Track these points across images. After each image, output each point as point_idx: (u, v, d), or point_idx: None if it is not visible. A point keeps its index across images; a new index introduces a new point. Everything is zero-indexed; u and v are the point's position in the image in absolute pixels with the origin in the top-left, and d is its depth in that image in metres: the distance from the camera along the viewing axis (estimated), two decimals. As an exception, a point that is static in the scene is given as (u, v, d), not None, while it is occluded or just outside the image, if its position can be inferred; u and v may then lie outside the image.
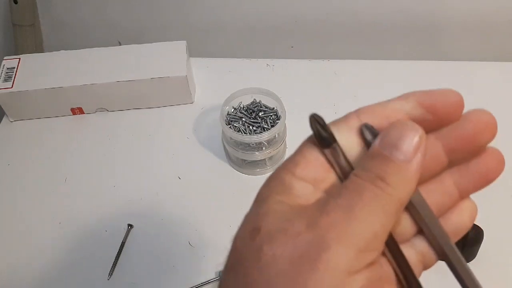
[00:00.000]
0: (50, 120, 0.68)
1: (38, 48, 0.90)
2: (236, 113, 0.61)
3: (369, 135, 0.23)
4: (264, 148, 0.58)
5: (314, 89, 0.68)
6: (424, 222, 0.23)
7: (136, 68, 0.65)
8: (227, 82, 0.69)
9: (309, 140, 0.23)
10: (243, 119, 0.60)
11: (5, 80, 0.65)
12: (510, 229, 0.51)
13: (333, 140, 0.23)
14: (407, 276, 0.23)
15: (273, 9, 0.82)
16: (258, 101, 0.62)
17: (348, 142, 0.23)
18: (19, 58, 0.67)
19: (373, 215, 0.20)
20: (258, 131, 0.59)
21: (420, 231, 0.24)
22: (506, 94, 0.66)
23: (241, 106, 0.61)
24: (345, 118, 0.23)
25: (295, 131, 0.63)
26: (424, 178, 0.24)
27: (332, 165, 0.23)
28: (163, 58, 0.66)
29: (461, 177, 0.24)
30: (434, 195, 0.24)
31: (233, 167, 0.61)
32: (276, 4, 0.81)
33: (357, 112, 0.24)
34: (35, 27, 0.88)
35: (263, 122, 0.60)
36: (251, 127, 0.59)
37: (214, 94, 0.68)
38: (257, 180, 0.61)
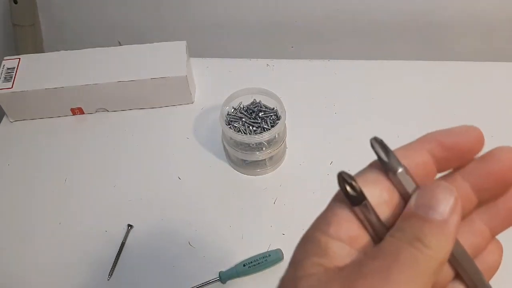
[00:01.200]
0: (50, 120, 0.68)
1: (38, 48, 0.90)
2: (236, 113, 0.61)
3: (379, 149, 0.23)
4: (264, 148, 0.58)
5: (314, 89, 0.68)
6: (460, 266, 0.23)
7: (136, 68, 0.65)
8: (227, 82, 0.69)
9: (338, 196, 0.23)
10: (243, 119, 0.60)
11: (5, 80, 0.65)
12: (510, 229, 0.51)
13: (363, 197, 0.22)
14: None
15: (273, 9, 0.82)
16: (258, 101, 0.62)
17: (377, 195, 0.23)
18: (19, 58, 0.67)
19: (411, 278, 0.20)
20: (258, 131, 0.59)
21: (457, 275, 0.24)
22: (506, 94, 0.66)
23: (241, 106, 0.61)
24: (370, 168, 0.23)
25: (295, 131, 0.63)
26: None
27: (363, 223, 0.23)
28: (163, 58, 0.66)
29: (490, 216, 0.25)
30: (467, 236, 0.24)
31: (233, 167, 0.61)
32: (276, 4, 0.81)
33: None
34: (35, 27, 0.88)
35: (263, 122, 0.60)
36: (251, 127, 0.59)
37: (214, 94, 0.68)
38: (257, 180, 0.61)
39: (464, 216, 0.24)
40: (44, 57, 0.68)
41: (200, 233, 0.55)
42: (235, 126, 0.59)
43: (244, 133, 0.59)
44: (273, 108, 0.61)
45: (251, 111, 0.61)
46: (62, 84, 0.64)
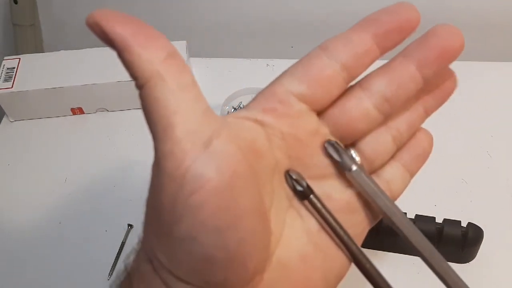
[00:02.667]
0: (50, 120, 0.68)
1: (38, 48, 0.90)
2: (236, 113, 0.61)
3: (334, 152, 0.24)
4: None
5: (314, 89, 0.68)
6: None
7: (136, 68, 0.65)
8: (227, 82, 0.69)
9: None
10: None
11: (5, 80, 0.65)
12: (510, 229, 0.51)
13: (310, 191, 0.24)
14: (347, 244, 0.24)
15: (273, 9, 0.82)
16: (258, 101, 0.62)
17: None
18: (19, 58, 0.67)
19: None
20: (258, 131, 0.59)
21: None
22: (506, 94, 0.66)
23: (241, 106, 0.61)
24: None
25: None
26: (408, 100, 0.25)
27: (312, 214, 0.24)
28: (163, 58, 0.66)
29: (426, 96, 0.26)
30: (407, 114, 0.26)
31: (233, 167, 0.61)
32: (276, 4, 0.81)
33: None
34: (35, 27, 0.88)
35: (263, 122, 0.60)
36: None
37: (214, 94, 0.68)
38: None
39: (412, 96, 0.25)
40: (44, 57, 0.68)
41: (200, 233, 0.55)
42: (235, 126, 0.59)
43: (244, 133, 0.59)
44: (273, 108, 0.61)
45: (251, 111, 0.61)
46: (62, 84, 0.64)
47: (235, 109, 0.61)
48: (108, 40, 0.21)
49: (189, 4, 0.83)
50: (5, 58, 0.68)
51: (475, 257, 0.48)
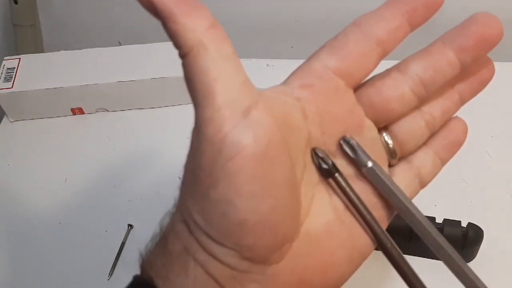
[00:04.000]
0: (50, 120, 0.68)
1: (38, 48, 0.90)
2: (236, 113, 0.61)
3: (348, 150, 0.24)
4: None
5: (314, 89, 0.68)
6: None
7: (136, 68, 0.65)
8: (227, 82, 0.69)
9: None
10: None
11: (5, 80, 0.65)
12: (510, 229, 0.51)
13: (336, 170, 0.24)
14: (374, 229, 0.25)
15: (273, 9, 0.82)
16: (258, 101, 0.62)
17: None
18: (19, 58, 0.67)
19: None
20: (258, 131, 0.59)
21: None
22: (506, 94, 0.66)
23: (241, 106, 0.61)
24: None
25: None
26: (442, 85, 0.25)
27: (336, 193, 0.25)
28: (163, 58, 0.66)
29: (462, 83, 0.27)
30: (442, 101, 0.26)
31: (233, 167, 0.61)
32: (276, 4, 0.81)
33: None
34: (35, 27, 0.88)
35: (263, 122, 0.60)
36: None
37: (214, 94, 0.68)
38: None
39: (447, 82, 0.25)
40: (44, 57, 0.68)
41: (200, 233, 0.55)
42: (235, 126, 0.59)
43: (244, 133, 0.59)
44: (273, 108, 0.61)
45: (251, 111, 0.61)
46: (62, 84, 0.64)
47: (235, 109, 0.61)
48: (153, 10, 0.22)
49: (189, 4, 0.83)
50: (5, 58, 0.68)
51: (475, 257, 0.48)
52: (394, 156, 0.26)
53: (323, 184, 0.25)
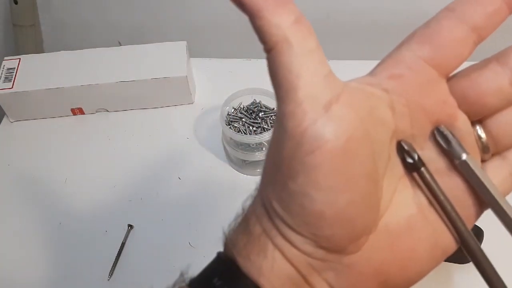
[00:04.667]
0: (50, 121, 0.68)
1: (38, 48, 0.90)
2: (236, 113, 0.61)
3: (442, 141, 0.23)
4: (264, 149, 0.58)
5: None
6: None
7: (136, 69, 0.65)
8: (227, 82, 0.69)
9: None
10: (243, 120, 0.60)
11: (6, 80, 0.65)
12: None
13: (421, 164, 0.23)
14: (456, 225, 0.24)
15: (273, 9, 0.82)
16: (258, 101, 0.62)
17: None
18: (19, 59, 0.67)
19: None
20: (258, 132, 0.59)
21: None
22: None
23: (241, 106, 0.61)
24: None
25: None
26: None
27: (421, 188, 0.24)
28: (163, 58, 0.66)
29: None
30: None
31: (233, 167, 0.61)
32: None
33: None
34: (35, 27, 0.88)
35: (263, 123, 0.60)
36: (251, 127, 0.60)
37: (214, 94, 0.68)
38: (257, 181, 0.61)
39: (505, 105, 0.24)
40: (45, 57, 0.68)
41: (200, 233, 0.55)
42: (235, 126, 0.59)
43: (244, 133, 0.59)
44: (273, 108, 0.61)
45: (251, 111, 0.61)
46: (63, 85, 0.64)
47: (235, 109, 0.61)
48: (241, 6, 0.22)
49: (189, 4, 0.83)
50: (5, 58, 0.68)
51: (475, 257, 0.48)
52: (487, 151, 0.25)
53: (407, 178, 0.24)
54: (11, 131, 0.67)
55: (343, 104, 0.21)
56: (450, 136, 0.23)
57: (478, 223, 0.47)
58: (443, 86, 0.23)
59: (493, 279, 0.24)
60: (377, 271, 0.23)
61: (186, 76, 0.64)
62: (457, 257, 0.51)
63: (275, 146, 0.22)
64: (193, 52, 0.70)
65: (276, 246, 0.23)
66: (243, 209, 0.26)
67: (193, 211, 0.57)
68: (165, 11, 0.85)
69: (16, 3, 0.82)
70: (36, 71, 0.66)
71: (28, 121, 0.68)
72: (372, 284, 0.23)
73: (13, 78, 0.65)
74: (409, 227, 0.24)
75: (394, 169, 0.24)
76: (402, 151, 0.23)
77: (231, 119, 0.60)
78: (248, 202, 0.25)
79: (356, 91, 0.23)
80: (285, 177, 0.22)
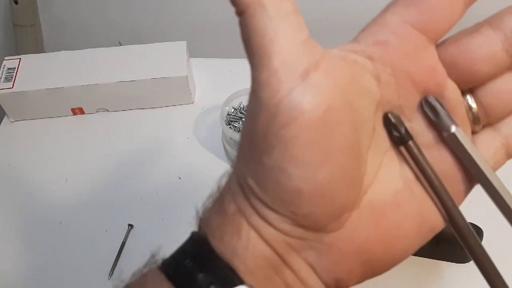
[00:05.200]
0: (51, 120, 0.68)
1: (38, 48, 0.90)
2: (236, 113, 0.61)
3: (430, 112, 0.22)
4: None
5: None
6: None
7: (136, 69, 0.65)
8: (227, 82, 0.69)
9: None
10: (243, 119, 0.60)
11: (6, 80, 0.65)
12: (510, 229, 0.51)
13: (409, 137, 0.22)
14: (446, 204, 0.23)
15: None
16: (258, 101, 0.62)
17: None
18: (20, 59, 0.67)
19: None
20: (258, 131, 0.59)
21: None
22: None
23: (241, 106, 0.61)
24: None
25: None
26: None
27: (407, 161, 0.23)
28: (163, 58, 0.66)
29: None
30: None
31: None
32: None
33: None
34: (35, 27, 0.88)
35: (263, 122, 0.60)
36: (251, 127, 0.60)
37: (214, 94, 0.68)
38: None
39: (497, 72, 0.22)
40: (45, 57, 0.68)
41: (200, 233, 0.55)
42: (235, 126, 0.59)
43: (244, 133, 0.59)
44: (273, 108, 0.61)
45: (251, 111, 0.61)
46: (63, 84, 0.64)
47: (235, 109, 0.61)
48: None
49: (189, 4, 0.84)
50: (6, 58, 0.68)
51: (475, 257, 0.48)
52: (477, 122, 0.23)
53: (394, 151, 0.23)
54: (11, 131, 0.67)
55: (322, 72, 0.20)
56: (438, 107, 0.22)
57: (478, 223, 0.47)
58: (432, 52, 0.22)
59: (482, 259, 0.23)
60: (361, 249, 0.22)
61: (186, 76, 0.64)
62: (457, 257, 0.51)
63: (250, 119, 0.21)
64: (193, 52, 0.70)
65: (251, 225, 0.22)
66: (218, 187, 0.24)
67: (193, 211, 0.57)
68: (165, 11, 0.85)
69: (16, 3, 0.82)
70: (36, 71, 0.66)
71: (28, 121, 0.68)
72: (355, 263, 0.22)
73: (13, 78, 0.65)
74: (395, 203, 0.22)
75: (379, 142, 0.23)
76: (389, 124, 0.22)
77: (231, 119, 0.60)
78: (224, 180, 0.24)
79: (337, 58, 0.21)
80: (260, 152, 0.20)
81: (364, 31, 0.23)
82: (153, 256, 0.25)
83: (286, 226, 0.21)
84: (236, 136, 0.56)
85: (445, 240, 0.46)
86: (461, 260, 0.48)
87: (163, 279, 0.23)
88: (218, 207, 0.23)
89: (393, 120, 0.22)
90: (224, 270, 0.21)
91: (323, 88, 0.20)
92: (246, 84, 0.70)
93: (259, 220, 0.21)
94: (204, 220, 0.24)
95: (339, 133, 0.20)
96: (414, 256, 0.48)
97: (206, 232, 0.23)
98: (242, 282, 0.21)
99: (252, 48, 0.20)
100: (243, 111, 0.61)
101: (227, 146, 0.59)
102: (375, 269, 0.23)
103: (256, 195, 0.21)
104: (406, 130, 0.22)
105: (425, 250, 0.48)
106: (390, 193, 0.23)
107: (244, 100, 0.61)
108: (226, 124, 0.59)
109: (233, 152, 0.59)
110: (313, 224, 0.21)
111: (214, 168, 0.61)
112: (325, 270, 0.22)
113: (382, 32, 0.22)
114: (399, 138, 0.22)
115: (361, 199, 0.22)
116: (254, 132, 0.20)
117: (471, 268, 0.49)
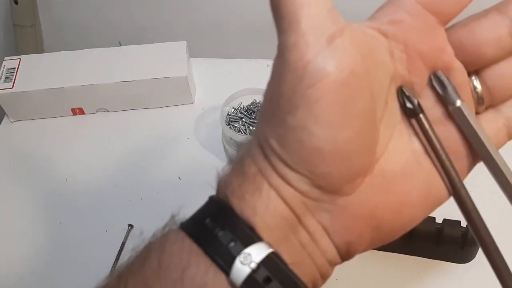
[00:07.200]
0: (51, 121, 0.68)
1: (38, 48, 0.90)
2: (236, 113, 0.61)
3: (438, 86, 0.23)
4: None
5: (314, 89, 0.68)
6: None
7: (136, 69, 0.65)
8: (227, 82, 0.69)
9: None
10: (243, 120, 0.60)
11: (6, 81, 0.65)
12: (510, 229, 0.51)
13: (420, 110, 0.23)
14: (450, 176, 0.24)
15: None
16: (258, 101, 0.62)
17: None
18: (20, 59, 0.67)
19: None
20: (258, 131, 0.59)
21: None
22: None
23: (241, 106, 0.61)
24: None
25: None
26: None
27: (417, 134, 0.24)
28: (163, 58, 0.66)
29: None
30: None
31: (233, 167, 0.61)
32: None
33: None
34: (35, 27, 0.88)
35: (263, 122, 0.60)
36: (251, 127, 0.60)
37: (214, 94, 0.68)
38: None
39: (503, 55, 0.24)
40: (45, 58, 0.68)
41: (200, 233, 0.55)
42: (235, 126, 0.59)
43: (244, 133, 0.59)
44: (273, 108, 0.61)
45: (251, 111, 0.61)
46: (63, 85, 0.64)
47: (235, 109, 0.61)
48: None
49: (189, 4, 0.84)
50: (6, 58, 0.68)
51: (475, 257, 0.48)
52: (482, 102, 0.24)
53: (404, 125, 0.24)
54: (11, 131, 0.67)
55: (347, 38, 0.21)
56: (446, 81, 0.23)
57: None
58: (442, 33, 0.23)
59: (483, 233, 0.24)
60: (371, 215, 0.23)
61: (186, 76, 0.64)
62: (457, 257, 0.51)
63: (275, 81, 0.22)
64: (193, 52, 0.70)
65: (271, 185, 0.22)
66: (238, 153, 0.25)
67: (193, 211, 0.57)
68: (165, 11, 0.85)
69: (16, 3, 0.82)
70: (36, 71, 0.66)
71: (28, 121, 0.68)
72: (365, 228, 0.23)
73: (13, 78, 0.65)
74: (403, 172, 0.24)
75: (390, 115, 0.24)
76: (403, 95, 0.23)
77: (231, 119, 0.60)
78: (245, 146, 0.25)
79: (358, 31, 0.22)
80: (284, 112, 0.21)
81: (380, 10, 0.24)
82: (173, 217, 0.26)
83: (304, 186, 0.22)
84: (236, 136, 0.56)
85: (445, 240, 0.46)
86: (461, 260, 0.48)
87: (184, 236, 0.23)
88: (238, 170, 0.24)
89: (407, 92, 0.23)
90: (244, 228, 0.22)
91: (347, 53, 0.21)
92: (246, 84, 0.70)
93: (279, 180, 0.22)
94: (224, 182, 0.25)
95: (360, 97, 0.21)
96: (414, 256, 0.48)
97: (226, 193, 0.24)
98: (261, 240, 0.22)
99: (281, 12, 0.21)
100: (243, 111, 0.61)
101: (227, 146, 0.59)
102: (383, 235, 0.24)
103: (277, 154, 0.22)
104: (418, 103, 0.23)
105: (425, 250, 0.48)
106: (400, 163, 0.24)
107: (244, 100, 0.61)
108: (226, 124, 0.59)
109: (233, 152, 0.59)
110: (329, 184, 0.22)
111: (214, 169, 0.61)
112: (338, 233, 0.23)
113: (397, 12, 0.23)
114: (412, 110, 0.23)
115: (373, 166, 0.23)
116: (280, 93, 0.21)
117: (471, 268, 0.50)
